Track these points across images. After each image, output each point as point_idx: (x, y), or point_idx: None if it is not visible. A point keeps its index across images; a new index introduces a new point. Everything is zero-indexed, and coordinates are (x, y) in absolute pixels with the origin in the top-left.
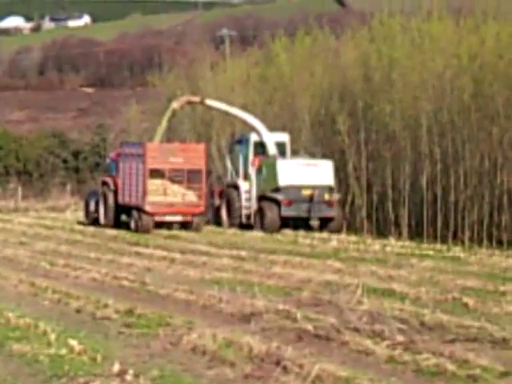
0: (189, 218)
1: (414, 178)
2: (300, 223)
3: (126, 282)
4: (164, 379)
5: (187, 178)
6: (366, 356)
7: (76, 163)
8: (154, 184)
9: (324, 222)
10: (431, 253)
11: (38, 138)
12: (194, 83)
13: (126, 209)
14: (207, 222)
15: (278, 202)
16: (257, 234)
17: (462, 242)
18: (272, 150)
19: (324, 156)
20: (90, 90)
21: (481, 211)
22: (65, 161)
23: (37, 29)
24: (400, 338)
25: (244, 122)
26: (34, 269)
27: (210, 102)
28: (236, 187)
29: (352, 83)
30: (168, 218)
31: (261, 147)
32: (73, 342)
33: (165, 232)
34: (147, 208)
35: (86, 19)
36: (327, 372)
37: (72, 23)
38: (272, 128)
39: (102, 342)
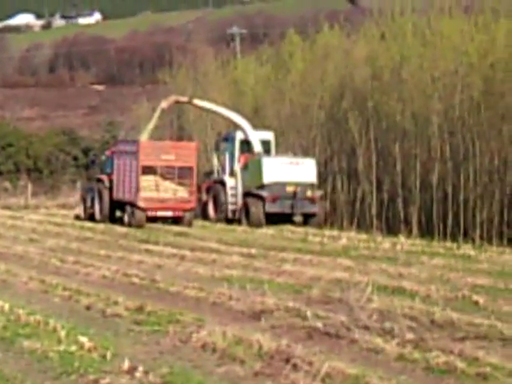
0: (180, 213)
1: (424, 176)
2: (284, 219)
3: (136, 279)
4: (174, 376)
5: (178, 174)
6: (375, 354)
7: (86, 160)
8: (146, 180)
9: (307, 217)
10: (441, 251)
11: (49, 136)
12: (204, 81)
13: (121, 204)
14: (195, 217)
15: (262, 198)
16: (267, 231)
17: (473, 240)
18: (257, 147)
19: (334, 154)
20: (100, 87)
21: (491, 209)
22: (75, 158)
23: (47, 26)
24: (410, 335)
25: (230, 121)
26: (44, 266)
27: (197, 101)
28: (222, 183)
29: (362, 81)
30: (160, 214)
31: (246, 145)
32: (83, 339)
33: (175, 229)
34: (140, 203)
35: (96, 16)
36: (337, 370)
37: (83, 20)
38: (283, 126)
39: (112, 339)
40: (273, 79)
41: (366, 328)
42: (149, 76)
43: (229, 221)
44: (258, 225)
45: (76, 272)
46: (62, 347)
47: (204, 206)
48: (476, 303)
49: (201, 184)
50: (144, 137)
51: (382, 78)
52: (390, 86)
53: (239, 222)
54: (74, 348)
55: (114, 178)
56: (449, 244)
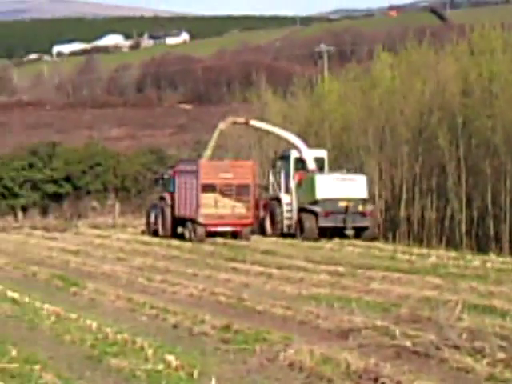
0: (238, 229)
1: None
2: (336, 232)
3: (223, 298)
4: None
5: (236, 191)
6: (465, 373)
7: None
8: (206, 198)
9: (358, 231)
10: None
11: (136, 155)
12: (291, 99)
13: (182, 221)
14: (252, 232)
15: (316, 214)
16: (354, 249)
17: None
18: (311, 165)
19: (423, 171)
20: (187, 106)
21: None
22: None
23: (136, 46)
24: (501, 355)
25: (286, 140)
26: (131, 284)
27: (254, 122)
28: (278, 200)
29: (451, 98)
30: (219, 229)
31: (301, 163)
32: (170, 358)
33: (262, 247)
34: (200, 219)
35: (184, 36)
36: None
37: (170, 40)
38: (370, 142)
39: (199, 358)
40: (360, 96)
41: (456, 347)
42: (236, 94)
43: (284, 235)
44: (312, 239)
45: (163, 290)
46: (149, 366)
47: (261, 221)
48: None
49: (258, 201)
50: (205, 156)
51: (472, 94)
52: (480, 101)
53: (294, 236)
54: (161, 366)
55: (176, 195)
56: None
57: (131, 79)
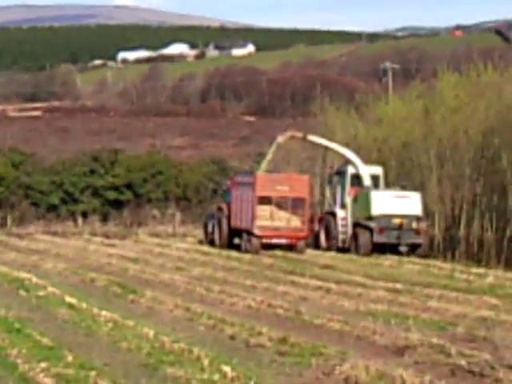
0: (293, 241)
1: None
2: (390, 248)
3: (280, 311)
4: None
5: (292, 205)
6: None
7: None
8: (262, 210)
9: (412, 248)
10: None
11: (198, 165)
12: (355, 115)
13: (238, 231)
14: (307, 245)
15: (370, 229)
16: (413, 267)
17: None
18: (367, 181)
19: (484, 192)
20: (251, 118)
21: None
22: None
23: (201, 56)
24: None
25: (343, 156)
26: (189, 294)
27: (311, 137)
28: (334, 214)
29: None
30: (274, 241)
31: (357, 179)
32: (226, 369)
33: (321, 261)
34: (256, 231)
35: (249, 48)
36: None
37: (236, 51)
38: (432, 160)
39: (255, 370)
40: (423, 115)
41: (511, 368)
42: (300, 108)
43: (339, 249)
44: (366, 253)
45: (221, 301)
46: (205, 376)
47: (316, 235)
48: None
49: (314, 215)
50: (262, 169)
51: None
52: None
53: (349, 250)
54: (217, 377)
55: (233, 206)
56: None
57: (195, 89)
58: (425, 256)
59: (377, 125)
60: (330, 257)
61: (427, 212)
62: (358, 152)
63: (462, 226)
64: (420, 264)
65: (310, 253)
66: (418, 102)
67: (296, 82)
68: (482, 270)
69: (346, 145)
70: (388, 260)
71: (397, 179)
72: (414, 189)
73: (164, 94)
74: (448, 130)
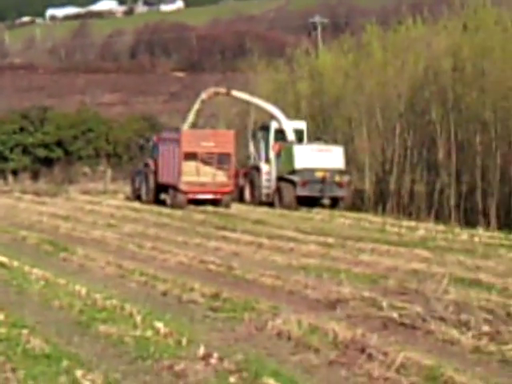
0: (219, 196)
1: (504, 169)
2: (313, 202)
3: (212, 266)
4: (248, 364)
5: (217, 160)
6: (451, 345)
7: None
8: (188, 165)
9: (335, 200)
10: None
11: (129, 121)
12: (284, 70)
13: (165, 187)
14: (233, 200)
15: (293, 183)
16: (344, 221)
17: None
18: (290, 136)
19: (414, 145)
20: (181, 74)
21: None
22: None
23: (129, 12)
24: (486, 328)
25: (266, 111)
26: (121, 251)
27: (235, 92)
28: (258, 169)
29: (443, 73)
30: (200, 196)
31: (280, 134)
32: (158, 325)
33: (252, 216)
34: (182, 187)
35: (178, 4)
36: (412, 360)
37: (165, 7)
38: (362, 115)
39: (188, 325)
40: (353, 69)
41: (442, 319)
42: (229, 64)
43: (264, 203)
44: (290, 207)
45: (153, 258)
46: (137, 332)
47: (241, 189)
48: None
49: (239, 170)
50: (187, 125)
51: (464, 70)
52: (471, 77)
53: (272, 204)
54: (149, 333)
55: (159, 162)
56: None
57: (125, 45)
58: (349, 209)
59: (307, 80)
60: (261, 212)
61: (357, 166)
62: (287, 107)
63: (392, 180)
64: (351, 218)
65: (242, 208)
66: (348, 57)
67: (225, 37)
68: (412, 223)
69: (276, 100)
70: (319, 214)
71: (327, 135)
72: (345, 143)
73: (93, 50)
74: (378, 84)
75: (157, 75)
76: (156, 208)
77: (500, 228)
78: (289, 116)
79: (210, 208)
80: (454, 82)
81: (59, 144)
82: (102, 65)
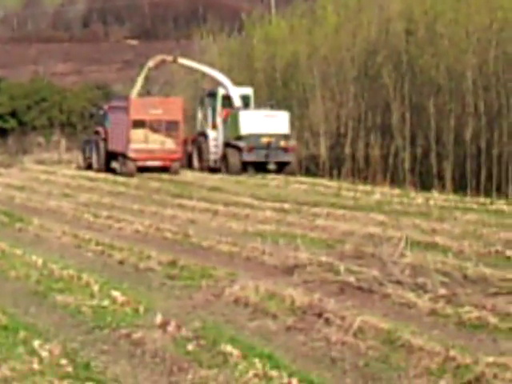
0: (168, 163)
1: (458, 131)
2: (259, 167)
3: (169, 234)
4: (206, 331)
5: (166, 127)
6: (408, 309)
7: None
8: (136, 133)
9: (281, 165)
10: (475, 206)
11: (82, 90)
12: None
13: (115, 155)
14: (181, 166)
15: (239, 149)
16: (300, 186)
17: (506, 196)
18: (237, 102)
19: (368, 109)
20: (134, 42)
21: None
22: None
23: None
24: (442, 291)
25: (213, 78)
26: (77, 221)
27: (182, 60)
28: (205, 136)
29: (396, 36)
30: (149, 163)
31: (227, 100)
32: (115, 294)
33: (208, 183)
34: (131, 154)
35: None
36: (369, 324)
37: None
38: (316, 80)
39: (145, 294)
40: (307, 34)
41: (399, 283)
42: (183, 31)
43: (211, 169)
44: (236, 173)
45: (109, 227)
46: (94, 301)
47: (189, 156)
48: (509, 258)
49: (187, 136)
50: (134, 93)
51: (417, 33)
52: (424, 40)
53: (220, 170)
54: (106, 302)
55: (109, 130)
56: (482, 199)
57: (77, 14)
58: (293, 174)
59: (261, 45)
60: (217, 179)
61: (312, 131)
62: (241, 74)
63: (347, 144)
64: (307, 183)
65: (197, 175)
66: (302, 22)
67: (178, 4)
68: (368, 187)
69: (230, 67)
70: (275, 180)
71: (283, 100)
72: (299, 108)
73: (45, 20)
74: (331, 48)
75: (110, 43)
76: (111, 177)
77: (455, 191)
78: (244, 83)
79: (165, 176)
80: (407, 45)
81: (13, 114)
82: (54, 34)
